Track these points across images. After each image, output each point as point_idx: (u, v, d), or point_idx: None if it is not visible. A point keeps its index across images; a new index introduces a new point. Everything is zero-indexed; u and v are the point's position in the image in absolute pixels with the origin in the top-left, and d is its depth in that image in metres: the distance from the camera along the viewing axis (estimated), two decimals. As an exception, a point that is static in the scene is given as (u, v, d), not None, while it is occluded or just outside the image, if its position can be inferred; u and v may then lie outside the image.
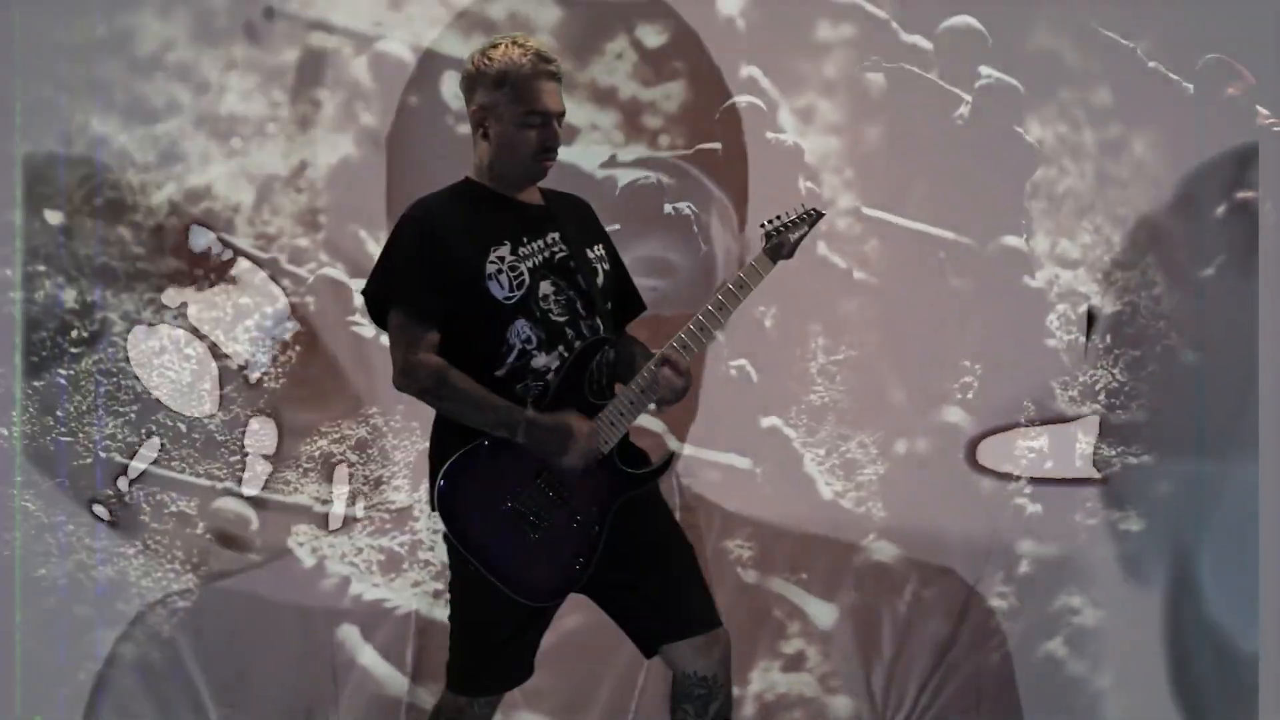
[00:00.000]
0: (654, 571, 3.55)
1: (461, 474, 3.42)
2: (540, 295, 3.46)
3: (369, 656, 4.92)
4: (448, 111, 4.80)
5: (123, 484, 4.88)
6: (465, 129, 3.58)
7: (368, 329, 4.87)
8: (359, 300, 4.85)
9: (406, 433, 4.93)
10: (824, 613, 4.98)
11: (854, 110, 4.94)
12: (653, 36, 4.89)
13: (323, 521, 4.93)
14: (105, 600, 4.88)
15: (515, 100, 3.45)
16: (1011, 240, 4.94)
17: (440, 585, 4.91)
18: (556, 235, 3.52)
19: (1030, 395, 5.00)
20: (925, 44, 4.90)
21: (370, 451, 4.94)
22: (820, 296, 4.93)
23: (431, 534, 4.93)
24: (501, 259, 3.45)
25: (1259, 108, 4.80)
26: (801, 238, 3.60)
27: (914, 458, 4.97)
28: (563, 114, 3.51)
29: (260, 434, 4.91)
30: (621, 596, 3.58)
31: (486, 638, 3.53)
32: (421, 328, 3.42)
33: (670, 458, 3.62)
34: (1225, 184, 4.94)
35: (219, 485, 4.89)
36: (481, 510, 3.42)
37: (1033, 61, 4.93)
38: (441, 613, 4.88)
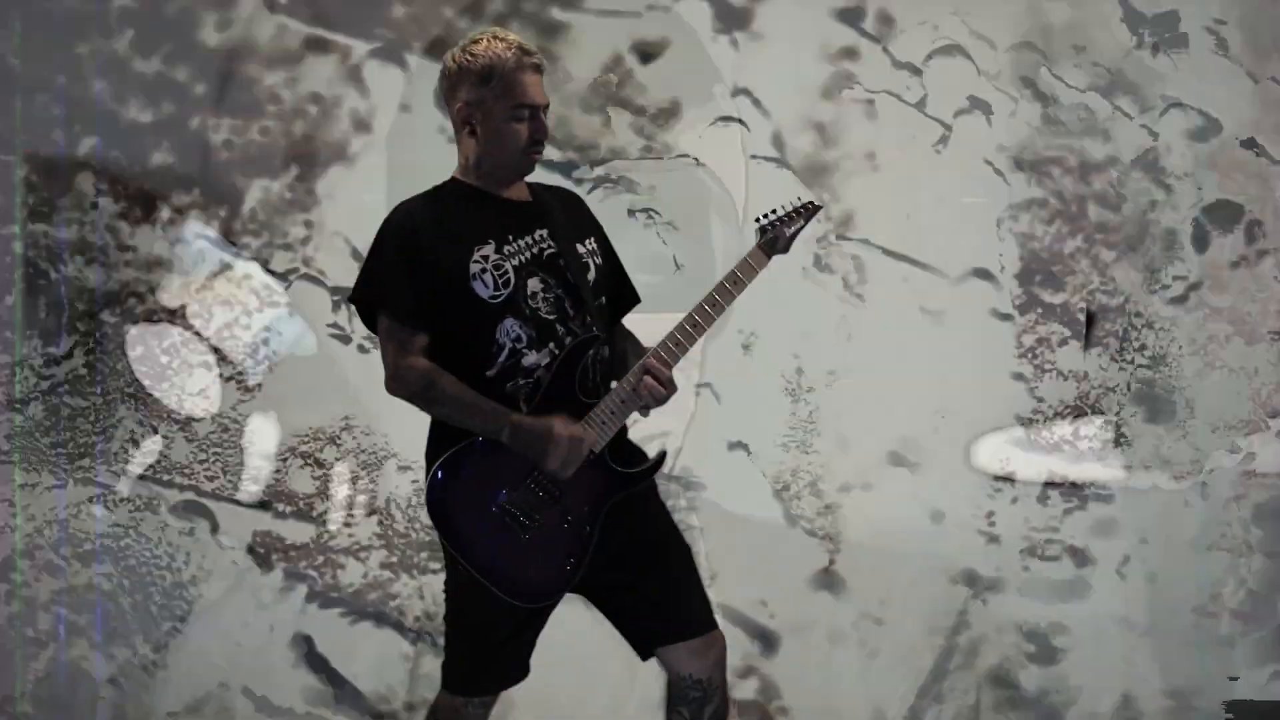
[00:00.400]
0: (654, 572, 3.50)
1: (452, 475, 3.37)
2: (528, 293, 3.42)
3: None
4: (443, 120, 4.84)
5: (123, 485, 4.87)
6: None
7: (343, 338, 4.90)
8: (332, 307, 4.89)
9: (373, 440, 4.94)
10: (775, 639, 4.98)
11: (836, 136, 4.98)
12: (646, 50, 4.94)
13: (287, 527, 4.93)
14: (102, 600, 4.87)
15: (503, 94, 3.41)
16: (984, 272, 5.00)
17: (393, 599, 4.92)
18: (544, 232, 3.48)
19: (999, 428, 5.05)
20: (914, 72, 4.96)
21: (338, 457, 4.93)
22: (799, 320, 4.96)
23: (398, 540, 4.93)
24: (485, 258, 3.40)
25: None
26: (798, 231, 3.57)
27: (877, 486, 4.99)
28: (548, 105, 3.47)
29: (255, 436, 4.91)
30: (620, 597, 3.52)
31: (483, 639, 3.48)
32: (408, 331, 3.39)
33: (662, 457, 3.54)
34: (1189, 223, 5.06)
35: (205, 487, 4.89)
36: (472, 511, 3.37)
37: (1016, 92, 5.02)
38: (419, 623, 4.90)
